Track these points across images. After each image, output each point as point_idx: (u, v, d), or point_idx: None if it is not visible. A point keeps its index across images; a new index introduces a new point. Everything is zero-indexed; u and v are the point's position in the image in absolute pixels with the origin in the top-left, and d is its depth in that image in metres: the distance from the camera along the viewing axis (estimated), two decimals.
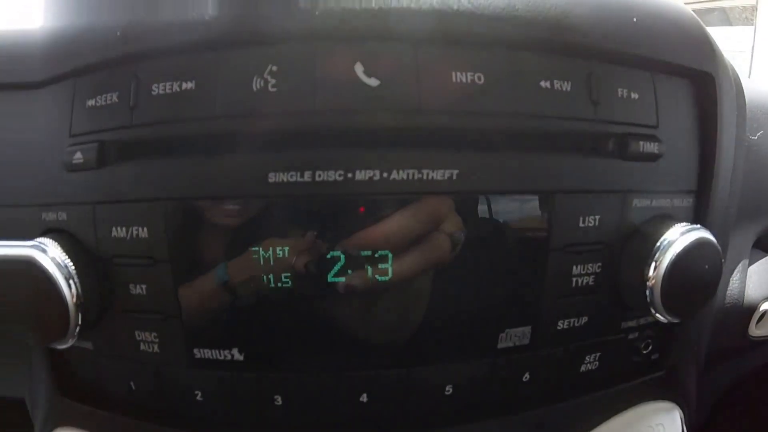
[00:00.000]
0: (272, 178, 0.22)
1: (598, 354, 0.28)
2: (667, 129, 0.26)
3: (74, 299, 0.24)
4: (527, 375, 0.27)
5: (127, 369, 0.27)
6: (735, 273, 0.37)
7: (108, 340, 0.27)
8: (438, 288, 0.24)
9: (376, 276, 0.23)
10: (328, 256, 0.23)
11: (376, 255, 0.23)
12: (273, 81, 0.22)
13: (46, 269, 0.24)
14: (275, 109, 0.22)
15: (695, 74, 0.27)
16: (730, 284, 0.37)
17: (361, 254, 0.23)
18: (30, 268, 0.24)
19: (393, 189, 0.22)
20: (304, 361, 0.25)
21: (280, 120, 0.22)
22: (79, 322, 0.24)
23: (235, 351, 0.25)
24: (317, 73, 0.22)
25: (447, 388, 0.26)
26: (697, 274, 0.25)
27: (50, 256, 0.24)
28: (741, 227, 0.37)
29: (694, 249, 0.25)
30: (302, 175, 0.22)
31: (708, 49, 0.27)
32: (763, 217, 0.39)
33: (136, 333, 0.26)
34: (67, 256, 0.24)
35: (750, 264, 0.39)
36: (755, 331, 0.39)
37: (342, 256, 0.23)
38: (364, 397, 0.25)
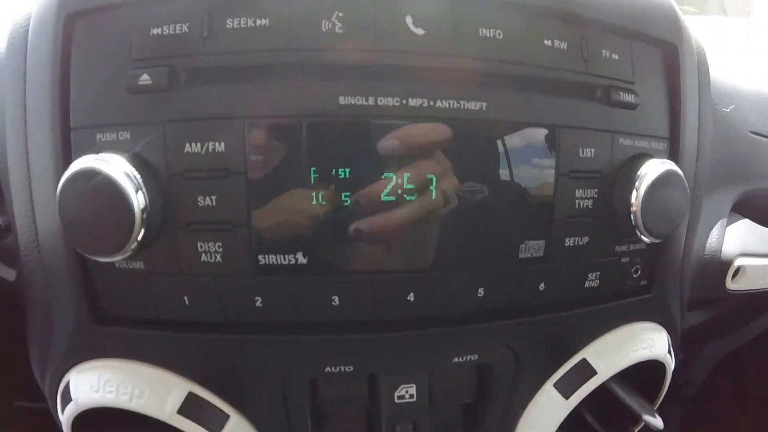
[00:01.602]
0: (342, 101, 0.27)
1: (598, 273, 0.33)
2: (641, 85, 0.33)
3: (142, 209, 0.26)
4: (543, 285, 0.32)
5: (182, 284, 0.29)
6: (714, 229, 0.43)
7: (164, 256, 0.28)
8: (472, 206, 0.29)
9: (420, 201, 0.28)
10: (382, 176, 0.28)
11: (421, 182, 0.28)
12: (339, 25, 0.27)
13: (116, 179, 0.25)
14: (342, 47, 0.27)
15: (662, 43, 0.33)
16: (709, 239, 0.43)
17: (408, 181, 0.28)
18: (97, 179, 0.25)
19: (437, 114, 0.28)
20: (360, 263, 0.29)
21: (346, 55, 0.27)
22: (139, 237, 0.26)
23: (299, 255, 0.28)
24: (376, 22, 0.27)
25: (479, 291, 0.31)
26: (669, 198, 0.31)
27: (119, 168, 0.25)
28: (719, 190, 0.43)
29: (665, 178, 0.31)
30: (366, 100, 0.27)
31: (675, 23, 0.34)
32: (738, 184, 0.45)
33: (199, 245, 0.28)
34: (135, 169, 0.26)
35: (728, 225, 0.45)
36: (731, 284, 0.45)
37: (393, 177, 0.28)
38: (411, 296, 0.30)
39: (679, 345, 0.39)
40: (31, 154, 0.29)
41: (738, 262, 0.44)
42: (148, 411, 0.30)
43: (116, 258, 0.26)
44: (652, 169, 0.31)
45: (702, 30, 0.41)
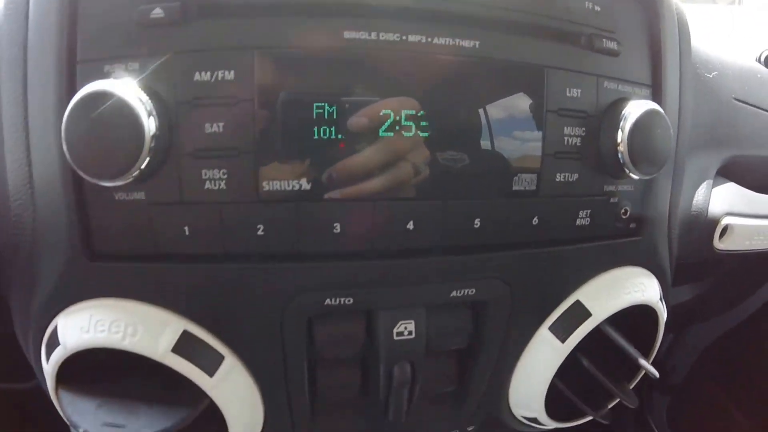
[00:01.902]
0: (347, 35, 0.29)
1: (588, 211, 0.34)
2: (623, 35, 0.35)
3: (152, 135, 0.26)
4: (536, 219, 0.33)
5: (183, 214, 0.29)
6: (700, 188, 0.44)
7: (166, 185, 0.28)
8: (468, 139, 0.31)
9: (418, 132, 0.30)
10: (381, 114, 0.29)
11: (419, 114, 0.30)
12: None
13: (129, 102, 0.25)
14: None
15: None
16: (695, 196, 0.44)
17: (407, 113, 0.29)
18: (110, 101, 0.25)
19: (434, 51, 0.30)
20: (362, 190, 0.30)
21: None
22: (145, 164, 0.26)
23: (303, 181, 0.29)
24: None
25: (475, 221, 0.32)
26: (653, 137, 0.33)
27: (132, 91, 0.26)
28: (704, 152, 0.44)
29: (649, 116, 0.33)
30: (369, 34, 0.29)
31: None
32: (723, 149, 0.46)
33: (203, 172, 0.28)
34: (146, 94, 0.26)
35: (714, 187, 0.46)
36: (719, 244, 0.45)
37: (391, 114, 0.29)
38: (410, 224, 0.31)
39: (668, 295, 0.39)
40: (30, 91, 0.29)
41: (725, 221, 0.45)
42: (142, 349, 0.29)
43: (120, 182, 0.26)
44: (635, 109, 0.33)
45: (690, 16, 0.42)
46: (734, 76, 0.48)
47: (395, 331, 0.34)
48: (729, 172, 0.48)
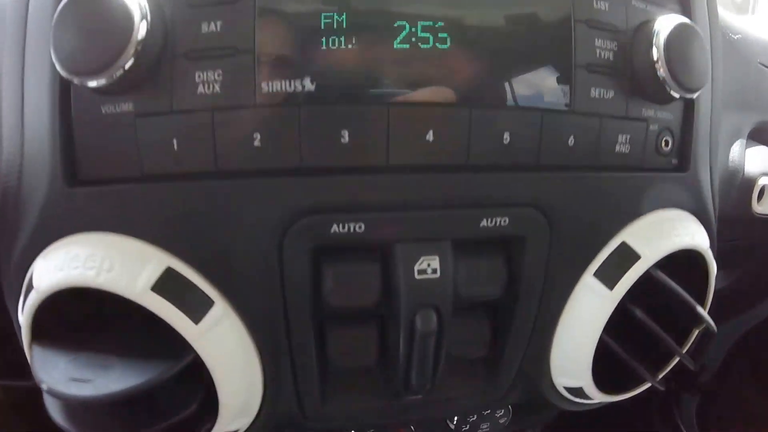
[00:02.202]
0: None
1: (627, 136, 0.32)
2: None
3: (141, 29, 0.24)
4: (572, 139, 0.31)
5: (173, 124, 0.26)
6: (735, 146, 0.43)
7: (156, 92, 0.26)
8: (492, 48, 0.29)
9: (436, 44, 0.28)
10: (395, 25, 0.27)
11: (437, 25, 0.27)
12: None
13: None
14: None
15: None
16: (731, 153, 0.42)
17: (423, 24, 0.27)
18: None
19: None
20: (376, 92, 0.27)
21: None
22: (129, 64, 0.24)
23: (306, 80, 0.26)
24: None
25: (505, 136, 0.29)
26: (690, 49, 0.31)
27: None
28: (735, 113, 0.43)
29: (684, 29, 0.31)
30: None
31: None
32: (752, 112, 0.46)
33: (197, 75, 0.26)
34: None
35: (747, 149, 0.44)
36: (757, 207, 0.43)
37: (407, 25, 0.27)
38: (430, 135, 0.28)
39: (714, 250, 0.37)
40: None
41: (762, 181, 0.43)
42: (117, 287, 0.26)
43: (103, 80, 0.24)
44: (667, 23, 0.31)
45: None
46: (757, 42, 0.48)
47: (417, 268, 0.30)
48: (758, 137, 0.47)
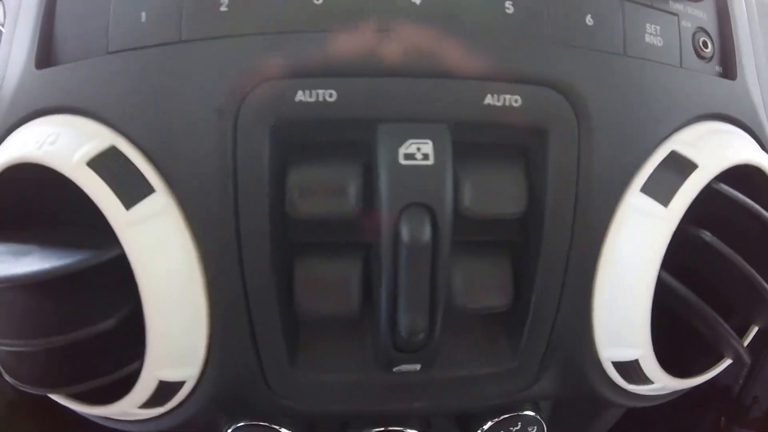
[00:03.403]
0: None
1: (657, 27, 0.28)
2: None
3: None
4: (589, 17, 0.26)
5: None
6: None
7: None
8: None
9: None
10: None
11: None
12: None
13: None
14: None
15: None
16: None
17: None
18: None
19: None
20: None
21: None
22: None
23: None
24: None
25: (506, 4, 0.25)
26: None
27: None
28: None
29: None
30: None
31: None
32: None
33: None
34: None
35: None
36: None
37: None
38: None
39: None
40: None
41: None
42: (53, 160, 0.23)
43: None
44: None
45: None
46: None
47: (403, 152, 0.23)
48: None
